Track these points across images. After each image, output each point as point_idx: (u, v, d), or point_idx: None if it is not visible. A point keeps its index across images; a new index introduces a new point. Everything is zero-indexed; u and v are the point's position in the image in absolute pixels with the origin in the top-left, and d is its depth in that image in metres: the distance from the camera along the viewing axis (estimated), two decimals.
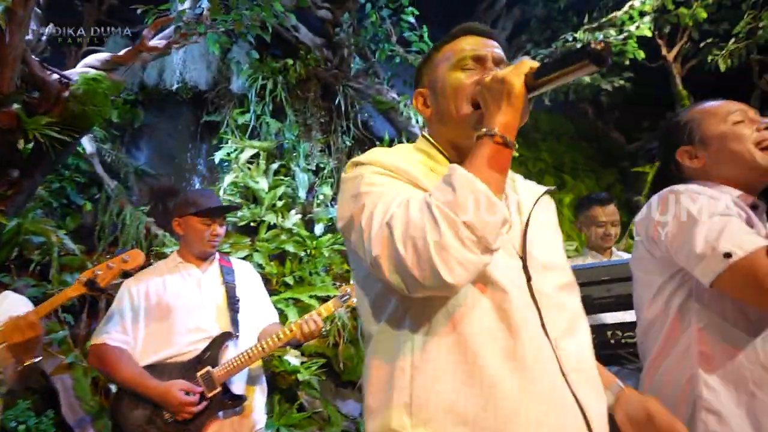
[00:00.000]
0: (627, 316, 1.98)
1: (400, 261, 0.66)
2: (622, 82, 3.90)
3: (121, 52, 2.38)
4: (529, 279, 0.77)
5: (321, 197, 3.30)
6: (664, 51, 3.83)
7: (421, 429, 0.70)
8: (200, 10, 2.38)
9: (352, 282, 1.40)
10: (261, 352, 1.74)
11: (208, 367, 1.71)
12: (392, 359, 0.74)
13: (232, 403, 1.73)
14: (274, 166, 3.22)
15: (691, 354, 0.97)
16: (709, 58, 3.43)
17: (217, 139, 3.60)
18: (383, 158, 0.79)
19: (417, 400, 0.71)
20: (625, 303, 1.72)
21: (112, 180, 3.21)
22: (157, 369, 1.70)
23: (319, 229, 3.16)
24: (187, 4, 2.71)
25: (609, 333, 1.71)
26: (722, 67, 3.31)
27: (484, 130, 0.71)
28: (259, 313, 1.93)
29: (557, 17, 4.10)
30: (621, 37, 3.35)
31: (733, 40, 3.31)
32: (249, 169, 3.16)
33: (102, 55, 2.37)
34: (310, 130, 3.48)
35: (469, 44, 0.86)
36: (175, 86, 3.19)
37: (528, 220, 0.82)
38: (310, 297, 2.69)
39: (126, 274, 1.79)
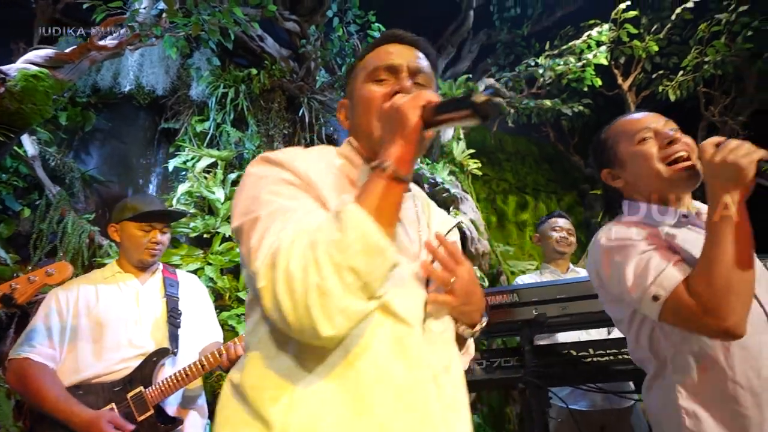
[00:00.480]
0: (582, 335, 1.99)
1: (278, 303, 0.60)
2: (581, 107, 4.04)
3: (67, 50, 2.25)
4: (423, 322, 0.73)
5: None
6: (619, 80, 4.01)
7: None
8: (156, 12, 2.29)
9: None
10: (201, 370, 1.61)
11: (141, 387, 1.58)
12: (265, 383, 0.66)
13: (165, 427, 1.58)
14: (233, 176, 3.11)
15: (668, 385, 0.99)
16: (660, 88, 3.61)
17: (174, 147, 3.46)
18: (299, 164, 0.73)
19: (299, 420, 0.62)
20: (580, 322, 1.72)
21: (54, 185, 3.00)
22: (83, 389, 1.55)
23: None
24: (143, 3, 2.61)
25: (564, 352, 1.69)
26: (672, 98, 3.49)
27: (377, 162, 0.67)
28: (202, 330, 1.81)
29: (521, 43, 4.23)
30: (579, 64, 3.48)
31: (681, 72, 3.50)
32: (205, 178, 3.03)
33: (45, 51, 2.23)
34: (273, 141, 3.39)
35: (386, 53, 0.82)
36: (128, 88, 3.04)
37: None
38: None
39: (47, 288, 1.64)
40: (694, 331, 0.90)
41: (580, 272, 2.40)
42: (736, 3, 3.12)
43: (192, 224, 2.87)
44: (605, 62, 3.49)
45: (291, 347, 0.67)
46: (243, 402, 0.65)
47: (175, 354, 1.67)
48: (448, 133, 3.82)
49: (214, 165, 3.13)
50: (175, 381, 1.59)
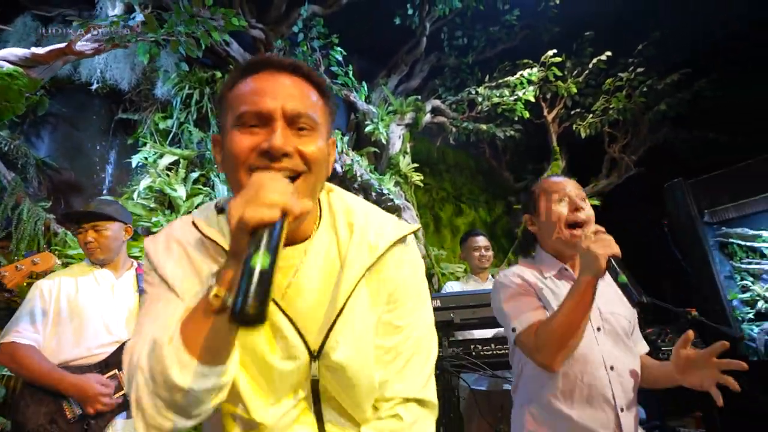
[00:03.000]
0: (487, 333, 2.50)
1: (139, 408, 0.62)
2: (512, 132, 4.63)
3: (43, 51, 2.35)
4: (314, 383, 0.70)
5: None
6: (545, 112, 4.64)
7: None
8: (134, 22, 2.44)
9: None
10: None
11: (116, 370, 1.79)
12: None
13: None
14: (194, 174, 3.29)
15: (522, 389, 1.31)
16: (574, 126, 4.28)
17: (134, 140, 3.54)
18: (164, 267, 0.71)
19: None
20: (485, 323, 2.20)
21: (9, 171, 3.02)
22: (65, 370, 1.75)
23: None
24: (117, 11, 2.73)
25: (471, 347, 2.18)
26: (583, 135, 4.16)
27: (211, 281, 0.61)
28: None
29: (465, 69, 4.73)
30: (512, 98, 4.03)
31: (591, 115, 4.18)
32: (168, 175, 3.20)
33: (22, 51, 2.31)
34: None
35: (254, 91, 0.68)
36: (95, 86, 3.11)
37: (345, 306, 0.71)
38: None
39: (34, 276, 1.83)
40: (528, 357, 1.23)
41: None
42: (634, 65, 3.85)
43: (154, 219, 3.04)
44: (533, 99, 4.08)
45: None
46: None
47: None
48: (396, 146, 4.23)
49: (176, 163, 3.29)
50: None
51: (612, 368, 1.20)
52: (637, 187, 4.32)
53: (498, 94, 4.09)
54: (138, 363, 0.61)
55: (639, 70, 3.87)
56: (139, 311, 0.72)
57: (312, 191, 0.71)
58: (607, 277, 1.17)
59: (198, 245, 0.72)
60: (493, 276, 3.02)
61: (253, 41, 3.84)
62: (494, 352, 2.13)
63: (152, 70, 3.35)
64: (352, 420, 0.73)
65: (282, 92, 0.68)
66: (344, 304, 0.71)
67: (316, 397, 0.71)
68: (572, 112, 4.52)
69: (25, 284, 1.85)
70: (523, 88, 4.05)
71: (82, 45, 2.41)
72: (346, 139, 4.00)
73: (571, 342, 1.12)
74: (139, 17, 2.42)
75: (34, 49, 2.36)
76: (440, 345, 2.11)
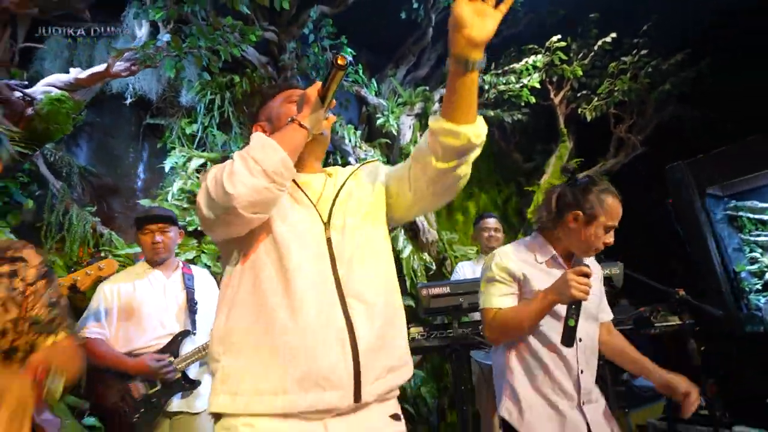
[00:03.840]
0: None
1: (207, 193, 0.91)
2: (519, 116, 4.75)
3: (85, 75, 2.61)
4: (328, 237, 1.01)
5: None
6: (552, 95, 4.74)
7: (225, 355, 0.94)
8: (161, 42, 2.67)
9: None
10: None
11: (171, 357, 2.08)
12: (220, 307, 1.01)
13: (189, 385, 2.12)
14: None
15: (505, 358, 1.48)
16: (579, 110, 4.38)
17: (162, 144, 3.82)
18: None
19: (227, 332, 0.96)
20: None
21: (56, 180, 3.34)
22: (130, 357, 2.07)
23: None
24: (144, 29, 2.95)
25: (480, 327, 2.43)
26: (588, 118, 4.27)
27: (291, 118, 1.00)
28: (212, 314, 2.35)
29: None
30: (518, 85, 4.16)
31: (596, 98, 4.28)
32: (197, 177, 3.48)
33: (65, 77, 2.58)
34: None
35: (295, 94, 1.15)
36: (129, 100, 3.38)
37: (339, 191, 1.08)
38: None
39: (101, 279, 2.14)
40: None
41: None
42: (639, 47, 3.91)
43: (188, 218, 3.34)
44: (538, 85, 4.18)
45: (232, 281, 1.01)
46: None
47: (194, 334, 2.18)
48: (406, 136, 4.42)
49: (204, 165, 3.57)
50: (194, 354, 2.12)
51: (581, 340, 1.43)
52: (644, 166, 4.43)
53: (504, 81, 4.21)
54: (227, 163, 0.92)
55: (643, 51, 3.93)
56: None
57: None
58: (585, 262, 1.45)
59: None
60: None
61: (267, 44, 4.03)
62: None
63: (177, 80, 3.59)
64: (363, 282, 1.00)
65: (299, 93, 1.15)
66: (338, 192, 1.09)
67: (332, 257, 0.99)
68: (578, 94, 4.61)
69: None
70: (529, 74, 4.16)
71: (118, 67, 2.66)
72: (358, 132, 4.20)
73: (515, 334, 1.40)
74: (166, 37, 2.65)
75: (77, 74, 2.63)
76: (450, 327, 2.38)
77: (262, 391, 0.88)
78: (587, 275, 1.29)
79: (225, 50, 2.71)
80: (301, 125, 0.98)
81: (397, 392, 1.03)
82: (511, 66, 4.28)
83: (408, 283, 3.82)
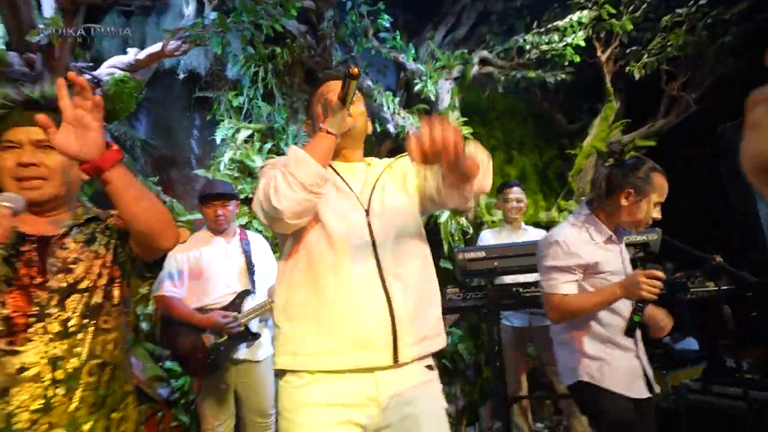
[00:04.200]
0: (528, 277, 2.84)
1: (260, 204, 1.09)
2: (563, 75, 4.58)
3: (143, 56, 2.82)
4: (369, 222, 1.16)
5: None
6: (599, 52, 4.51)
7: (286, 322, 1.12)
8: (208, 21, 2.82)
9: None
10: (270, 303, 2.42)
11: (235, 313, 2.37)
12: (280, 282, 1.18)
13: (251, 337, 2.40)
14: (267, 145, 3.77)
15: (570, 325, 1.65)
16: (627, 68, 4.16)
17: (211, 116, 4.05)
18: (278, 159, 1.22)
19: (287, 303, 1.13)
20: (522, 270, 2.53)
21: (124, 153, 3.67)
22: (200, 312, 2.36)
23: None
24: (191, 7, 3.10)
25: (513, 289, 2.55)
26: (636, 76, 4.06)
27: (320, 126, 1.14)
28: (268, 275, 2.58)
29: (513, 14, 4.64)
30: (561, 44, 4.00)
31: (646, 55, 4.04)
32: (246, 148, 3.70)
33: (126, 58, 2.81)
34: (296, 113, 4.01)
35: (329, 90, 1.24)
36: (181, 75, 3.59)
37: (375, 183, 1.22)
38: None
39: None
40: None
41: (529, 230, 3.17)
42: None
43: (239, 187, 3.60)
44: (583, 44, 4.00)
45: (289, 260, 1.16)
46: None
47: (254, 293, 2.45)
48: (445, 101, 4.41)
49: (251, 136, 3.78)
50: (255, 310, 2.38)
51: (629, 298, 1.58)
52: (699, 126, 4.21)
53: (547, 41, 4.06)
54: (267, 180, 1.08)
55: (702, 1, 3.62)
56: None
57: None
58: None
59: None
60: (525, 224, 3.21)
61: (305, 12, 4.07)
62: (529, 294, 2.49)
63: (223, 54, 3.75)
64: (399, 262, 1.15)
65: (336, 88, 1.20)
66: (375, 183, 1.23)
67: (373, 240, 1.14)
68: (628, 51, 4.36)
69: None
70: (574, 32, 3.98)
71: (171, 46, 2.84)
72: (397, 99, 4.24)
73: (579, 318, 1.57)
74: (212, 15, 2.79)
75: (136, 55, 2.84)
76: (484, 288, 2.52)
77: (317, 353, 1.06)
78: (659, 278, 1.43)
79: (267, 26, 2.82)
80: (328, 132, 1.12)
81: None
82: (555, 23, 4.10)
83: (446, 247, 3.95)
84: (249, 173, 3.78)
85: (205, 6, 2.98)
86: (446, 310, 2.30)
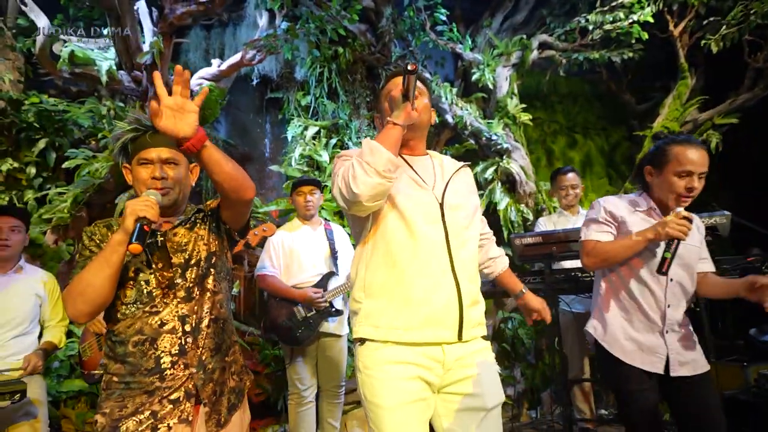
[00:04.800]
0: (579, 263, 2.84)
1: (340, 191, 1.22)
2: (630, 54, 4.37)
3: (225, 66, 3.20)
4: (443, 213, 1.30)
5: None
6: (671, 26, 4.25)
7: (367, 298, 1.27)
8: (280, 31, 3.12)
9: None
10: (351, 285, 2.74)
11: (321, 290, 2.67)
12: (359, 262, 1.33)
13: (335, 312, 2.70)
14: (333, 141, 4.06)
15: (600, 289, 1.78)
16: (703, 42, 3.89)
17: (282, 115, 4.42)
18: (352, 151, 1.34)
19: (367, 282, 1.28)
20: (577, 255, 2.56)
21: None
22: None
23: None
24: (264, 18, 3.42)
25: (572, 273, 2.61)
26: (714, 50, 3.79)
27: (387, 119, 1.26)
28: (349, 260, 2.86)
29: None
30: (626, 23, 3.84)
31: (725, 26, 3.75)
32: (314, 144, 4.02)
33: (212, 69, 3.19)
34: (359, 108, 4.25)
35: (393, 86, 1.35)
36: (255, 81, 3.96)
37: (448, 182, 1.36)
38: None
39: (265, 238, 2.79)
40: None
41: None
42: None
43: None
44: (651, 20, 3.80)
45: (367, 243, 1.31)
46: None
47: (337, 275, 2.76)
48: (503, 89, 4.42)
49: (318, 132, 4.08)
50: (338, 290, 2.68)
51: (671, 279, 1.64)
52: None
53: (611, 19, 3.92)
54: (344, 168, 1.23)
55: None
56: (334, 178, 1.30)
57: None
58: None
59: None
60: (582, 209, 3.16)
61: (365, 11, 4.28)
62: (587, 278, 2.53)
63: (292, 58, 4.08)
64: (465, 254, 1.31)
65: (400, 83, 1.32)
66: (449, 180, 1.37)
67: (446, 230, 1.29)
68: (705, 22, 4.07)
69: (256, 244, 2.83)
70: (641, 7, 3.80)
71: (249, 56, 3.19)
72: (454, 90, 4.33)
73: (611, 263, 1.66)
74: (283, 25, 3.08)
75: (220, 66, 3.22)
76: (542, 273, 2.60)
77: (396, 327, 1.22)
78: (688, 219, 1.50)
79: (333, 32, 3.06)
80: (394, 124, 1.24)
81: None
82: (620, 0, 3.94)
83: (505, 234, 4.01)
84: (317, 167, 4.10)
85: (276, 16, 3.28)
86: (505, 295, 2.43)
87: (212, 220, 1.41)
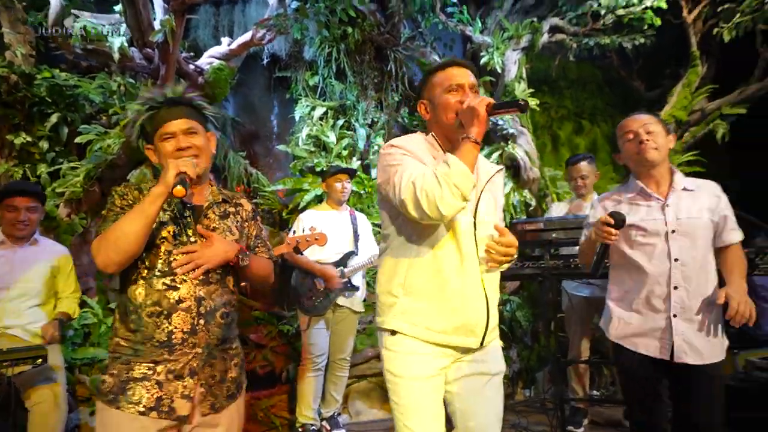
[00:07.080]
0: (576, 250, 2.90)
1: (418, 203, 1.19)
2: (642, 39, 4.32)
3: (236, 45, 3.21)
4: (475, 229, 1.33)
5: (375, 146, 4.20)
6: (685, 12, 4.19)
7: (406, 296, 1.31)
8: (290, 11, 3.11)
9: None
10: (370, 263, 2.95)
11: (342, 267, 2.90)
12: (398, 258, 1.35)
13: (352, 288, 2.96)
14: (340, 122, 4.08)
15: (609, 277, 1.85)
16: (715, 31, 3.85)
17: (289, 95, 4.41)
18: (406, 145, 1.33)
19: (408, 281, 1.32)
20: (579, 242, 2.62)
21: (216, 131, 4.16)
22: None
23: (374, 172, 4.08)
24: (273, 4, 3.40)
25: (571, 260, 2.67)
26: (726, 38, 3.76)
27: (465, 135, 1.23)
28: (368, 242, 3.11)
29: None
30: (640, 8, 3.79)
31: (738, 15, 3.70)
32: (321, 124, 4.04)
33: (222, 48, 3.21)
34: (366, 89, 4.25)
35: (454, 74, 1.34)
36: (265, 60, 3.96)
37: (481, 193, 1.37)
38: (372, 224, 3.70)
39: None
40: None
41: None
42: None
43: (315, 160, 3.97)
44: (665, 5, 3.75)
45: (412, 243, 1.33)
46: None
47: (356, 254, 2.97)
48: (511, 73, 4.40)
49: (325, 113, 4.10)
50: (357, 268, 2.92)
51: (676, 260, 1.62)
52: None
53: (624, 3, 3.86)
54: (423, 179, 1.20)
55: None
56: (391, 170, 1.29)
57: None
58: (690, 187, 1.67)
59: (424, 144, 1.39)
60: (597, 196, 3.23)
61: None
62: None
63: (301, 37, 4.07)
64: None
65: (466, 75, 1.36)
66: (481, 192, 1.37)
67: (476, 240, 1.33)
68: (719, 9, 4.01)
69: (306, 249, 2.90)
70: None
71: (259, 35, 3.19)
72: None
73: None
74: (294, 5, 3.08)
75: (230, 45, 3.23)
76: (542, 258, 2.67)
77: (430, 328, 1.31)
78: (608, 224, 1.57)
79: (342, 11, 3.06)
80: (476, 143, 1.22)
81: None
82: None
83: (507, 219, 4.06)
84: (324, 147, 4.14)
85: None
86: (505, 277, 2.51)
87: (245, 220, 1.50)
